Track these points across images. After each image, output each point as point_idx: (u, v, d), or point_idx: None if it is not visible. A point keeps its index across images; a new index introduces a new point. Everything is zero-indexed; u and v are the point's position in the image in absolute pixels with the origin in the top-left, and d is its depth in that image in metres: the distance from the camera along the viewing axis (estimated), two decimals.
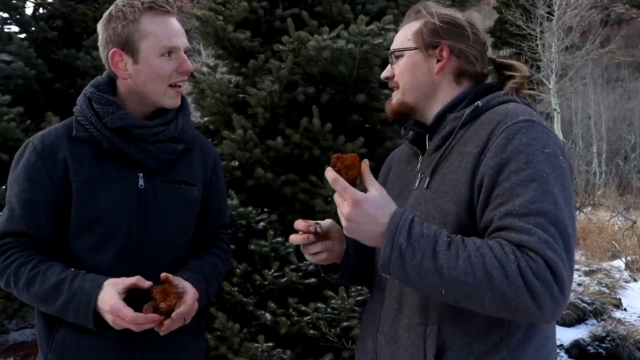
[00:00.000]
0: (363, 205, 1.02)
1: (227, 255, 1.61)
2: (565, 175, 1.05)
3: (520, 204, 0.99)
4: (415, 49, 1.25)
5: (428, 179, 1.18)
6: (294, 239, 1.22)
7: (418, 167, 1.27)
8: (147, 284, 1.28)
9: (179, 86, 1.40)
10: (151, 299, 1.29)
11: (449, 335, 1.09)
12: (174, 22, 1.38)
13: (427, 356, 1.09)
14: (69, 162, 1.34)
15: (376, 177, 1.15)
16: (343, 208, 1.03)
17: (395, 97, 1.30)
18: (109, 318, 1.24)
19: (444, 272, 0.98)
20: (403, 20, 1.33)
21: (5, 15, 4.64)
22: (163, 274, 1.31)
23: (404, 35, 1.28)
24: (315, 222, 1.21)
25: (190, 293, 1.33)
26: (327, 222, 1.26)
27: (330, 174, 1.04)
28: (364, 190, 1.06)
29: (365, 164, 1.07)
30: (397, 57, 1.28)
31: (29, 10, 4.79)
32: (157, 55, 1.34)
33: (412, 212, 1.16)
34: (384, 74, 1.33)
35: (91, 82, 1.42)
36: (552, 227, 0.97)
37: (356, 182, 1.07)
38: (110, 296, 1.24)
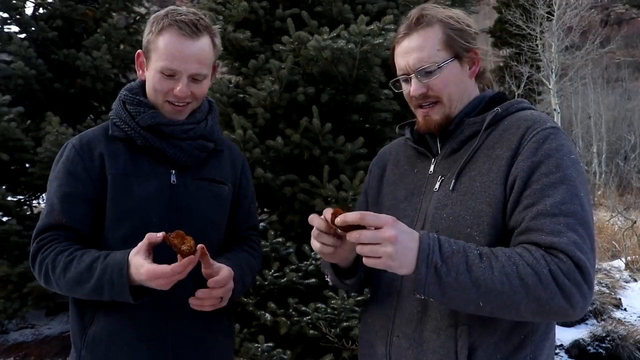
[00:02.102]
0: (398, 222, 1.01)
1: (259, 254, 1.64)
2: (586, 180, 1.12)
3: (552, 205, 1.05)
4: (452, 59, 1.21)
5: (453, 181, 1.18)
6: (313, 219, 1.14)
7: (432, 170, 1.26)
8: (160, 234, 1.26)
9: (177, 105, 1.41)
10: (171, 248, 1.24)
11: (478, 335, 1.12)
12: (189, 47, 1.35)
13: (460, 357, 1.11)
14: (105, 157, 1.41)
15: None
16: (383, 233, 0.99)
17: (440, 112, 1.23)
18: (151, 284, 1.24)
19: (480, 284, 1.00)
20: (406, 29, 1.22)
21: (5, 15, 4.65)
22: (200, 245, 1.27)
23: (431, 47, 1.19)
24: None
25: (225, 269, 1.35)
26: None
27: (352, 215, 1.00)
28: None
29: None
30: (432, 72, 1.19)
31: (29, 10, 4.81)
32: (157, 71, 1.38)
33: (436, 213, 1.18)
34: (417, 91, 1.22)
35: (125, 86, 1.50)
36: (580, 227, 1.03)
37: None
38: (140, 264, 1.24)
